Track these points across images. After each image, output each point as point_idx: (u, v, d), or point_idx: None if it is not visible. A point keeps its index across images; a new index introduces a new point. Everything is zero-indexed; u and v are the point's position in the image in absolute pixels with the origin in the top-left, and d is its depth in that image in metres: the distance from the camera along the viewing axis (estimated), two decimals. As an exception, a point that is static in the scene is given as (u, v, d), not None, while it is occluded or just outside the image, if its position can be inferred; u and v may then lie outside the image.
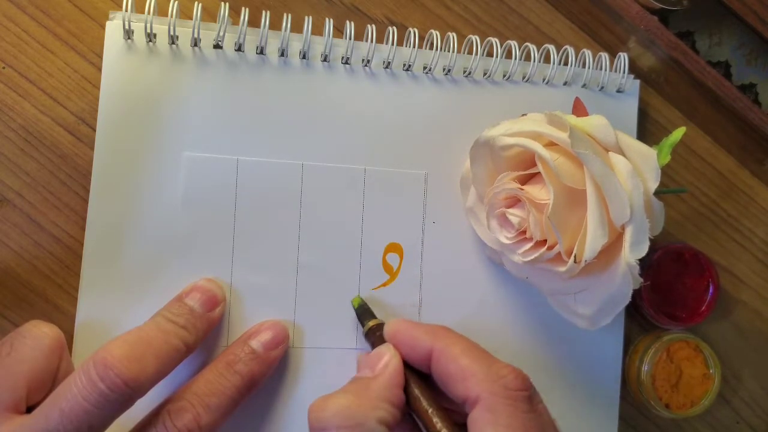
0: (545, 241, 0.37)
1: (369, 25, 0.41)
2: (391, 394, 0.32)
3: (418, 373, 0.35)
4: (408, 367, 0.35)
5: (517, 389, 0.31)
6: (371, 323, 0.39)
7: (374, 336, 0.38)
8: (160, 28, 0.39)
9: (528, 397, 0.31)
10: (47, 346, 0.35)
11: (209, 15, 0.41)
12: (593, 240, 0.35)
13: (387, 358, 0.34)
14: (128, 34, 0.39)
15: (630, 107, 0.46)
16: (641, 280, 0.36)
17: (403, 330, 0.35)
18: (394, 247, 0.42)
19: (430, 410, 0.32)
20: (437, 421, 0.32)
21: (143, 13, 0.38)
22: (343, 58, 0.41)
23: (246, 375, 0.36)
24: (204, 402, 0.34)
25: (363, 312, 0.40)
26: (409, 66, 0.42)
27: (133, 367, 0.31)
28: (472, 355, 0.32)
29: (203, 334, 0.37)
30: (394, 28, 0.42)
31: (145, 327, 0.35)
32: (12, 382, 0.33)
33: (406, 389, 0.34)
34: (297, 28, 0.41)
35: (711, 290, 0.46)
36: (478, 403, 0.31)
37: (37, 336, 0.35)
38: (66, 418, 0.30)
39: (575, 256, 0.36)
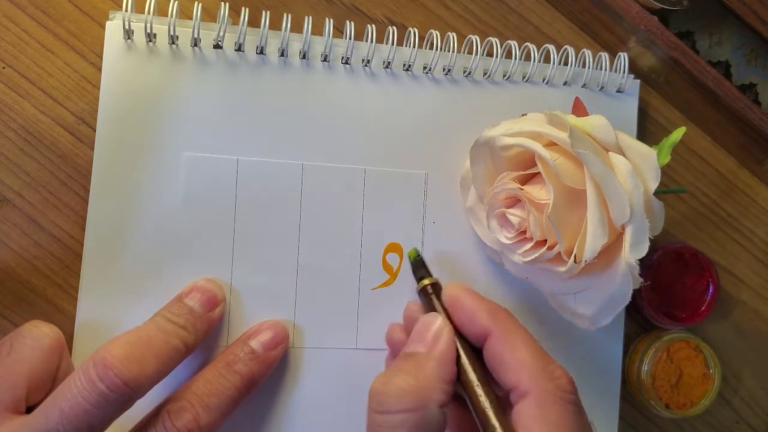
0: (545, 241, 0.37)
1: (369, 25, 0.41)
2: (445, 371, 0.32)
3: (467, 343, 0.34)
4: (458, 335, 0.34)
5: (568, 392, 0.31)
6: (426, 281, 0.37)
7: (427, 295, 0.36)
8: (160, 28, 0.39)
9: (576, 401, 0.31)
10: (47, 346, 0.35)
11: (209, 15, 0.41)
12: (593, 240, 0.35)
13: (438, 330, 0.33)
14: (128, 34, 0.39)
15: (630, 107, 0.46)
16: (641, 280, 0.36)
17: (464, 301, 0.34)
18: (394, 247, 0.42)
19: (478, 387, 0.32)
20: (484, 400, 0.31)
21: (143, 13, 0.38)
22: (343, 58, 0.41)
23: (246, 375, 0.36)
24: (204, 402, 0.34)
25: (418, 267, 0.38)
26: (409, 66, 0.42)
27: (132, 367, 0.31)
28: (529, 349, 0.32)
29: (203, 335, 0.37)
30: (394, 28, 0.42)
31: (144, 327, 0.35)
32: (12, 382, 0.33)
33: (462, 368, 0.33)
34: (297, 28, 0.41)
35: (711, 290, 0.46)
36: (527, 397, 0.30)
37: (37, 336, 0.35)
38: (66, 418, 0.30)
39: (575, 256, 0.36)
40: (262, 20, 0.40)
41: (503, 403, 0.32)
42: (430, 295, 0.36)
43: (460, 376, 0.33)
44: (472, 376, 0.32)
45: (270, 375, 0.39)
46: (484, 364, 0.33)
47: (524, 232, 0.38)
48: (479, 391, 0.32)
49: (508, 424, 0.30)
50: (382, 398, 0.31)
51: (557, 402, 0.30)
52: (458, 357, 0.33)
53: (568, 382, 0.31)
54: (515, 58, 0.43)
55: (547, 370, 0.31)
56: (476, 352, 0.33)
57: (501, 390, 0.32)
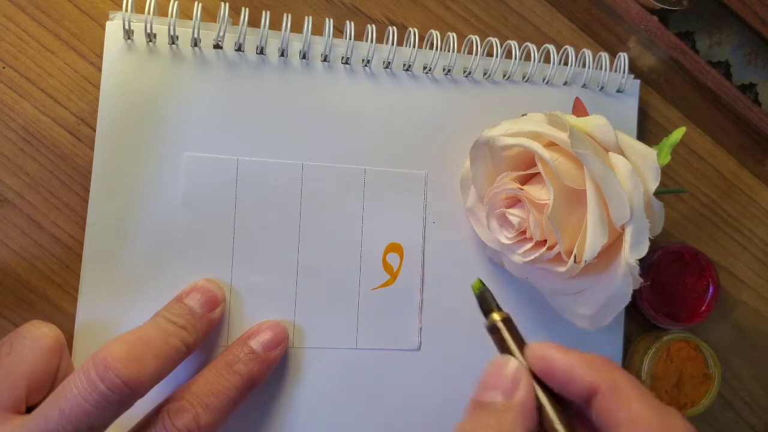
0: (545, 241, 0.37)
1: (369, 25, 0.41)
2: (527, 422, 0.28)
3: (545, 387, 0.29)
4: (550, 393, 0.29)
5: None
6: (496, 316, 0.31)
7: (497, 332, 0.31)
8: (160, 28, 0.39)
9: None
10: (47, 347, 0.35)
11: (209, 15, 0.41)
12: (593, 240, 0.35)
13: (515, 375, 0.29)
14: (128, 34, 0.39)
15: (630, 107, 0.46)
16: (641, 280, 0.36)
17: (558, 362, 0.29)
18: (394, 247, 0.42)
19: None
20: None
21: (143, 13, 0.38)
22: (343, 58, 0.41)
23: (245, 375, 0.36)
24: (203, 402, 0.34)
25: (484, 299, 0.32)
26: (409, 66, 0.42)
27: (132, 368, 0.31)
28: (645, 402, 0.28)
29: (203, 335, 0.37)
30: (394, 28, 0.42)
31: (145, 327, 0.35)
32: (12, 382, 0.33)
33: (550, 426, 0.29)
34: (297, 28, 0.41)
35: (711, 290, 0.46)
36: None
37: (37, 336, 0.35)
38: (66, 419, 0.30)
39: (575, 257, 0.36)
40: (262, 20, 0.40)
41: None
42: (501, 331, 0.31)
43: (542, 424, 0.29)
44: (559, 426, 0.28)
45: (269, 375, 0.39)
46: (566, 408, 0.29)
47: (524, 232, 0.38)
48: None
49: None
50: None
51: None
52: (543, 408, 0.29)
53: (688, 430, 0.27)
54: (515, 58, 0.43)
55: (667, 424, 0.27)
56: (555, 395, 0.29)
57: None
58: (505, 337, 0.31)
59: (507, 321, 0.31)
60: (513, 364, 0.29)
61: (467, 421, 0.29)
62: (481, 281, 0.33)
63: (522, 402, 0.28)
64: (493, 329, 0.31)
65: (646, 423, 0.27)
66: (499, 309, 0.32)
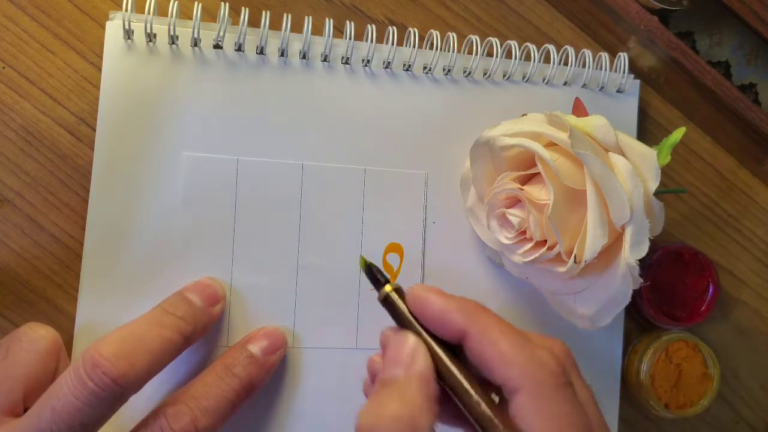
0: (545, 241, 0.37)
1: (369, 25, 0.41)
2: (429, 391, 0.30)
3: (444, 346, 0.31)
4: (439, 342, 0.31)
5: (559, 374, 0.29)
6: (387, 289, 0.33)
7: (392, 305, 0.33)
8: (160, 28, 0.39)
9: (569, 381, 0.30)
10: (43, 349, 0.35)
11: (209, 15, 0.41)
12: (593, 240, 0.35)
13: (412, 349, 0.31)
14: (128, 34, 0.39)
15: (630, 107, 0.46)
16: (641, 280, 0.36)
17: (432, 305, 0.31)
18: (394, 247, 0.42)
19: (469, 395, 0.30)
20: (480, 406, 0.30)
21: (143, 13, 0.38)
22: (343, 58, 0.41)
23: (244, 379, 0.36)
24: (201, 405, 0.34)
25: (372, 274, 0.34)
26: (409, 66, 0.42)
27: (121, 365, 0.31)
28: (512, 340, 0.30)
29: (202, 327, 0.37)
30: (394, 28, 0.42)
31: (139, 321, 0.34)
32: (8, 385, 0.33)
33: (447, 377, 0.31)
34: (297, 28, 0.41)
35: (711, 290, 0.46)
36: (521, 392, 0.29)
37: (34, 339, 0.35)
38: (58, 417, 0.30)
39: (575, 257, 0.36)
40: (262, 20, 0.40)
41: (493, 390, 0.31)
42: (395, 302, 0.33)
43: (446, 380, 0.31)
44: (460, 383, 0.31)
45: (268, 380, 0.38)
46: (467, 363, 0.32)
47: (524, 232, 0.38)
48: (472, 399, 0.30)
49: (509, 423, 0.30)
50: (375, 430, 0.29)
51: (552, 390, 0.29)
52: (441, 363, 0.31)
53: (558, 365, 0.30)
54: (515, 58, 0.43)
55: (535, 358, 0.30)
56: (454, 350, 0.32)
57: (490, 387, 0.31)
58: (398, 306, 0.32)
59: (398, 291, 0.33)
60: (410, 339, 0.31)
61: (373, 399, 0.30)
62: (363, 258, 0.34)
63: (420, 371, 0.30)
64: (386, 300, 0.33)
65: (515, 360, 0.29)
66: (389, 281, 0.33)
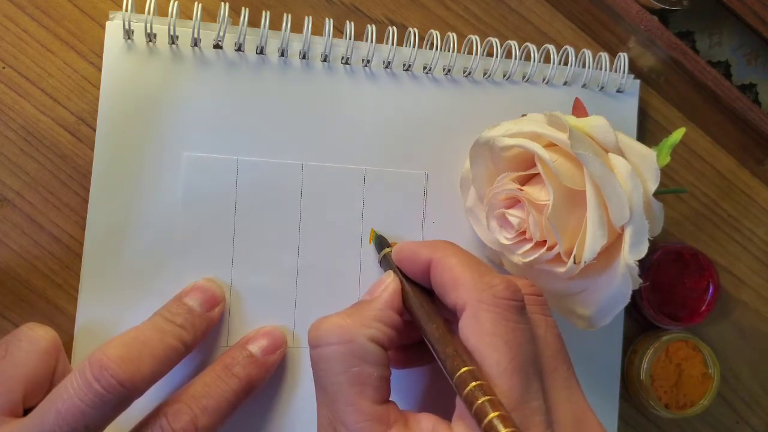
0: (545, 241, 0.37)
1: (369, 25, 0.41)
2: (384, 314, 0.33)
3: (424, 291, 0.35)
4: (414, 285, 0.35)
5: (506, 298, 0.30)
6: (385, 251, 0.38)
7: (386, 263, 0.38)
8: (160, 28, 0.39)
9: (517, 307, 0.30)
10: (43, 349, 0.35)
11: (209, 15, 0.41)
12: (593, 241, 0.35)
13: (386, 283, 0.34)
14: (128, 34, 0.39)
15: (630, 107, 0.46)
16: (641, 280, 0.36)
17: (406, 247, 0.35)
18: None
19: (426, 324, 0.32)
20: (430, 331, 0.32)
21: (143, 13, 0.38)
22: (343, 58, 0.41)
23: (244, 378, 0.36)
24: (201, 404, 0.34)
25: (379, 242, 0.40)
26: (409, 66, 0.42)
27: (128, 368, 0.31)
28: (466, 265, 0.32)
29: (202, 334, 0.37)
30: (394, 28, 0.42)
31: (142, 327, 0.35)
32: (8, 385, 0.33)
33: (411, 307, 0.34)
34: (297, 28, 0.41)
35: (711, 290, 0.46)
36: (465, 311, 0.31)
37: (33, 339, 0.35)
38: (62, 419, 0.31)
39: (575, 257, 0.36)
40: (262, 20, 0.40)
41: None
42: (388, 258, 0.38)
43: (411, 315, 0.34)
44: (419, 314, 0.33)
45: (267, 380, 0.39)
46: (438, 303, 0.34)
47: (524, 232, 0.38)
48: (427, 327, 0.32)
49: (458, 343, 0.30)
50: (315, 333, 0.32)
51: (491, 310, 0.30)
52: (411, 301, 0.34)
53: (506, 289, 0.30)
54: (515, 58, 0.43)
55: (483, 281, 0.31)
56: (431, 295, 0.34)
57: (452, 315, 0.32)
58: (389, 259, 0.37)
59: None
60: (387, 276, 0.35)
61: (341, 311, 0.33)
62: (373, 230, 0.41)
63: (382, 299, 0.33)
64: (383, 262, 0.39)
65: (464, 281, 0.31)
66: (390, 246, 0.39)
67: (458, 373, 0.29)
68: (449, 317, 0.33)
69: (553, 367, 0.31)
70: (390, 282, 0.35)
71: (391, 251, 0.38)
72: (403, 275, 0.35)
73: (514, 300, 0.30)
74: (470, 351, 0.30)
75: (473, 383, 0.28)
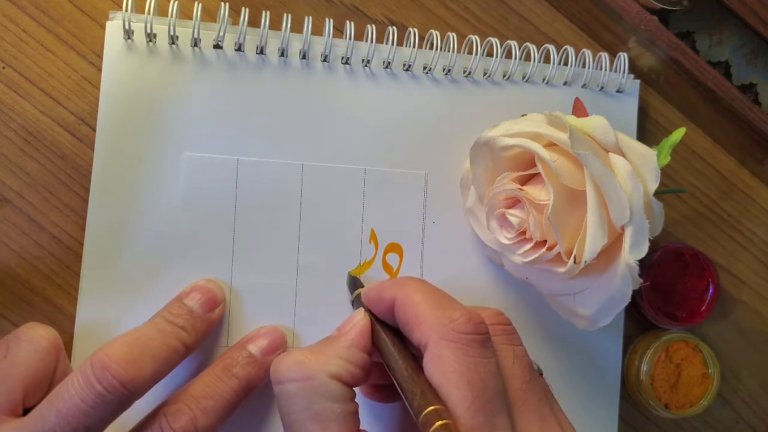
0: (545, 241, 0.37)
1: (369, 25, 0.41)
2: (349, 352, 0.32)
3: (394, 331, 0.34)
4: (384, 324, 0.34)
5: (467, 332, 0.30)
6: (357, 292, 0.38)
7: (358, 304, 0.37)
8: (160, 28, 0.39)
9: (480, 341, 0.30)
10: (43, 349, 0.35)
11: (209, 15, 0.41)
12: (593, 241, 0.35)
13: (355, 321, 0.34)
14: (128, 34, 0.39)
15: (630, 107, 0.46)
16: (641, 280, 0.36)
17: (373, 288, 0.35)
18: (394, 247, 0.42)
19: (394, 362, 0.32)
20: (398, 369, 0.31)
21: (143, 13, 0.38)
22: (343, 58, 0.41)
23: (243, 379, 0.36)
24: (201, 404, 0.34)
25: (352, 283, 0.40)
26: (409, 66, 0.42)
27: (130, 369, 0.31)
28: (430, 301, 0.31)
29: (202, 335, 0.37)
30: (394, 28, 0.42)
31: (143, 328, 0.35)
32: (8, 385, 0.33)
33: (380, 346, 0.34)
34: (297, 28, 0.41)
35: (711, 290, 0.46)
36: (427, 348, 0.30)
37: (33, 338, 0.35)
38: (63, 419, 0.31)
39: (575, 257, 0.36)
40: (262, 20, 0.40)
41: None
42: (360, 299, 0.37)
43: (384, 360, 0.33)
44: (386, 353, 0.33)
45: (267, 380, 0.39)
46: (408, 343, 0.33)
47: (524, 232, 0.38)
48: (394, 366, 0.32)
49: (424, 381, 0.30)
50: (276, 368, 0.32)
51: (453, 346, 0.29)
52: (381, 341, 0.34)
53: (467, 322, 0.30)
54: (515, 58, 0.43)
55: (445, 315, 0.30)
56: (400, 335, 0.34)
57: (420, 353, 0.32)
58: (361, 300, 0.36)
59: None
60: (356, 315, 0.35)
61: (305, 349, 0.33)
62: (349, 273, 0.41)
63: (349, 338, 0.33)
64: (354, 302, 0.38)
65: (426, 317, 0.31)
66: (362, 286, 0.38)
67: (424, 413, 0.28)
68: (419, 355, 0.32)
69: (522, 399, 0.30)
70: (359, 320, 0.34)
71: (360, 293, 0.37)
72: (374, 315, 0.35)
73: (476, 333, 0.30)
74: (436, 389, 0.29)
75: (438, 422, 0.27)
